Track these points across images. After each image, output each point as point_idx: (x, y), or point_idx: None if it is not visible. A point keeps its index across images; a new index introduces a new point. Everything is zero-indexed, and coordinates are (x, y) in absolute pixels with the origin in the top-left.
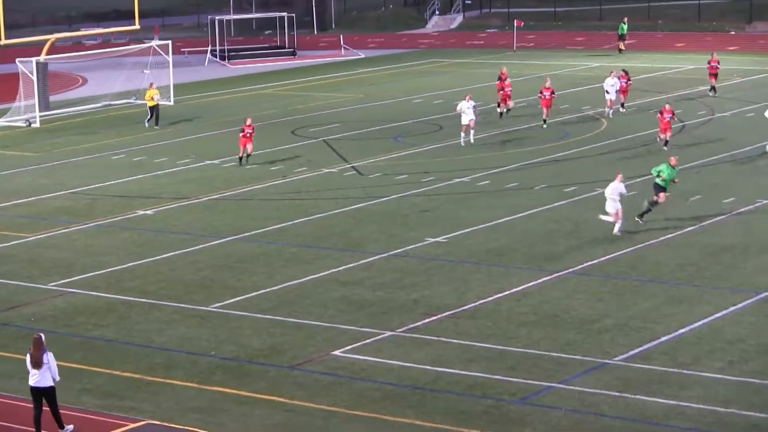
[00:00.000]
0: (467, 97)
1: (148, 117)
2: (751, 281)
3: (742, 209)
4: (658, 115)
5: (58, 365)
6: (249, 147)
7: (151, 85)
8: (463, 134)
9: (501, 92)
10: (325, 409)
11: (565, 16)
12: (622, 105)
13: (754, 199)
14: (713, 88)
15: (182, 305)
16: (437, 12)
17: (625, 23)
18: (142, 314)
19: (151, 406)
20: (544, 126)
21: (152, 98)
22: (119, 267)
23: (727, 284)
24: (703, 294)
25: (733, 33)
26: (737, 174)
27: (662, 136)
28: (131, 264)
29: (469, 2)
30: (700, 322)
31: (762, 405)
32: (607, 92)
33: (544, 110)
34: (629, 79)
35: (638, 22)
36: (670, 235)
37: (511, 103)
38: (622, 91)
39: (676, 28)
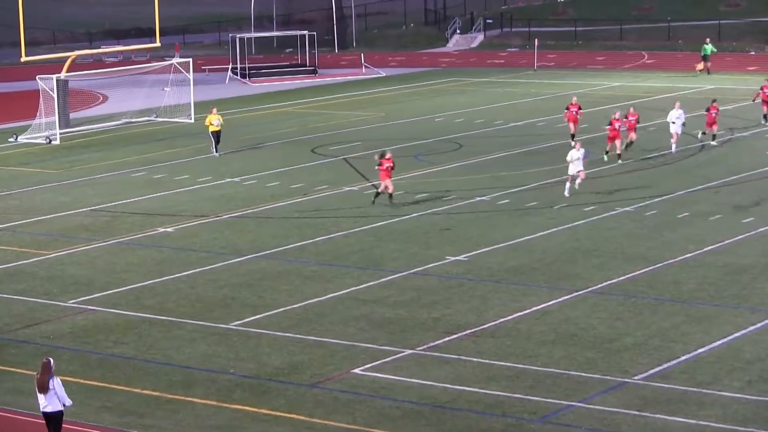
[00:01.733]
0: (576, 145)
1: (213, 143)
2: None
3: (762, 229)
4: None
5: (77, 383)
6: (389, 184)
7: (212, 110)
8: (568, 184)
9: (571, 121)
10: (345, 427)
11: (586, 35)
12: (714, 137)
13: None
14: (766, 117)
15: (202, 323)
16: (458, 31)
17: (708, 44)
18: (161, 332)
19: (170, 423)
20: (605, 158)
21: (212, 123)
22: (139, 284)
23: (746, 304)
24: (723, 313)
25: (752, 53)
26: (756, 194)
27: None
28: (151, 281)
29: (490, 21)
30: (719, 342)
31: None
32: (673, 123)
33: (610, 144)
34: (718, 110)
35: (658, 42)
36: (689, 255)
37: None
38: (712, 122)
39: (696, 49)
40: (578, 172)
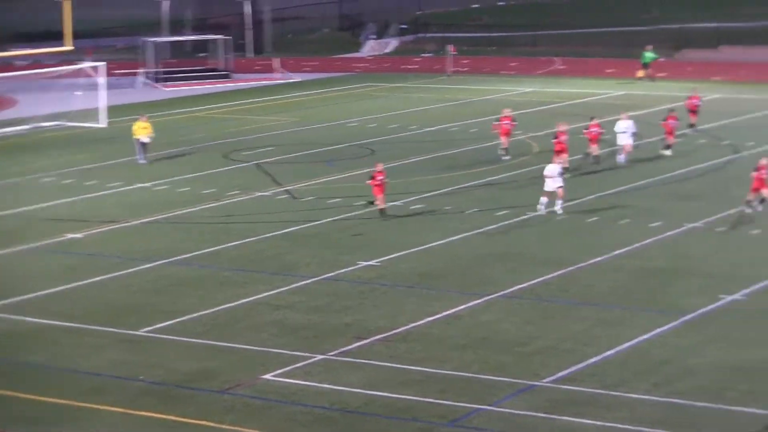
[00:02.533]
0: (555, 159)
1: (139, 153)
2: (678, 304)
3: (670, 233)
4: (753, 172)
5: None
6: (381, 198)
7: (141, 116)
8: (543, 199)
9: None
10: None
11: (500, 41)
12: (668, 146)
13: (681, 222)
14: (692, 125)
15: (112, 329)
16: (372, 36)
17: (648, 51)
18: (70, 339)
19: None
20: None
21: (140, 131)
22: (48, 291)
23: (654, 307)
24: (632, 317)
25: (662, 60)
26: (664, 198)
27: (753, 195)
28: (60, 288)
29: (405, 27)
30: (627, 344)
31: (687, 425)
32: (622, 134)
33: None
34: (677, 118)
35: (571, 48)
36: (599, 258)
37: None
38: (669, 131)
39: (607, 55)
40: (558, 188)
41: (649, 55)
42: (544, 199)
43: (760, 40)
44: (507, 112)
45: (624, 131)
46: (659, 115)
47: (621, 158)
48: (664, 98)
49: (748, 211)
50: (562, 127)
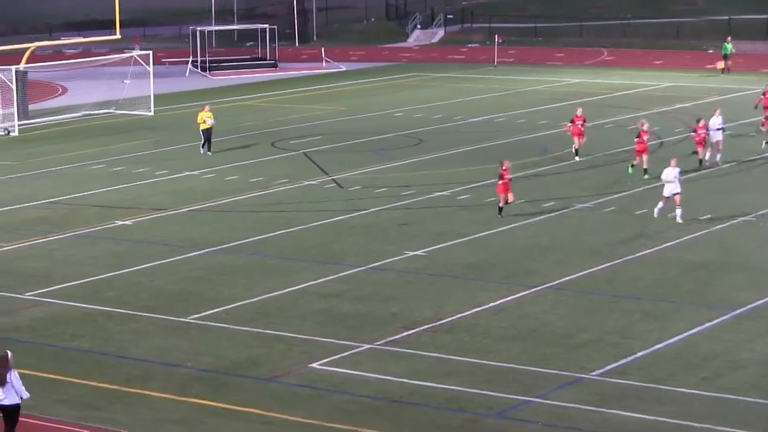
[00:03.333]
0: (673, 163)
1: (203, 142)
2: (727, 298)
3: (719, 226)
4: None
5: (34, 375)
6: (510, 196)
7: (204, 107)
8: (661, 204)
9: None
10: (303, 421)
11: (546, 32)
12: None
13: (731, 215)
14: None
15: (160, 316)
16: (419, 26)
17: (728, 43)
18: (119, 325)
19: (127, 417)
20: (630, 171)
21: (204, 121)
22: (97, 277)
23: (703, 300)
24: (679, 310)
25: (711, 51)
26: (714, 190)
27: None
28: (109, 274)
29: (451, 16)
30: (675, 338)
31: (735, 421)
32: (715, 131)
33: (638, 158)
34: None
35: (615, 39)
36: (646, 251)
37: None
38: None
39: (654, 46)
40: (675, 194)
41: (729, 46)
42: (661, 205)
43: None
44: (579, 111)
45: (717, 128)
46: (706, 107)
47: (717, 158)
48: (711, 89)
49: None
50: (645, 126)
